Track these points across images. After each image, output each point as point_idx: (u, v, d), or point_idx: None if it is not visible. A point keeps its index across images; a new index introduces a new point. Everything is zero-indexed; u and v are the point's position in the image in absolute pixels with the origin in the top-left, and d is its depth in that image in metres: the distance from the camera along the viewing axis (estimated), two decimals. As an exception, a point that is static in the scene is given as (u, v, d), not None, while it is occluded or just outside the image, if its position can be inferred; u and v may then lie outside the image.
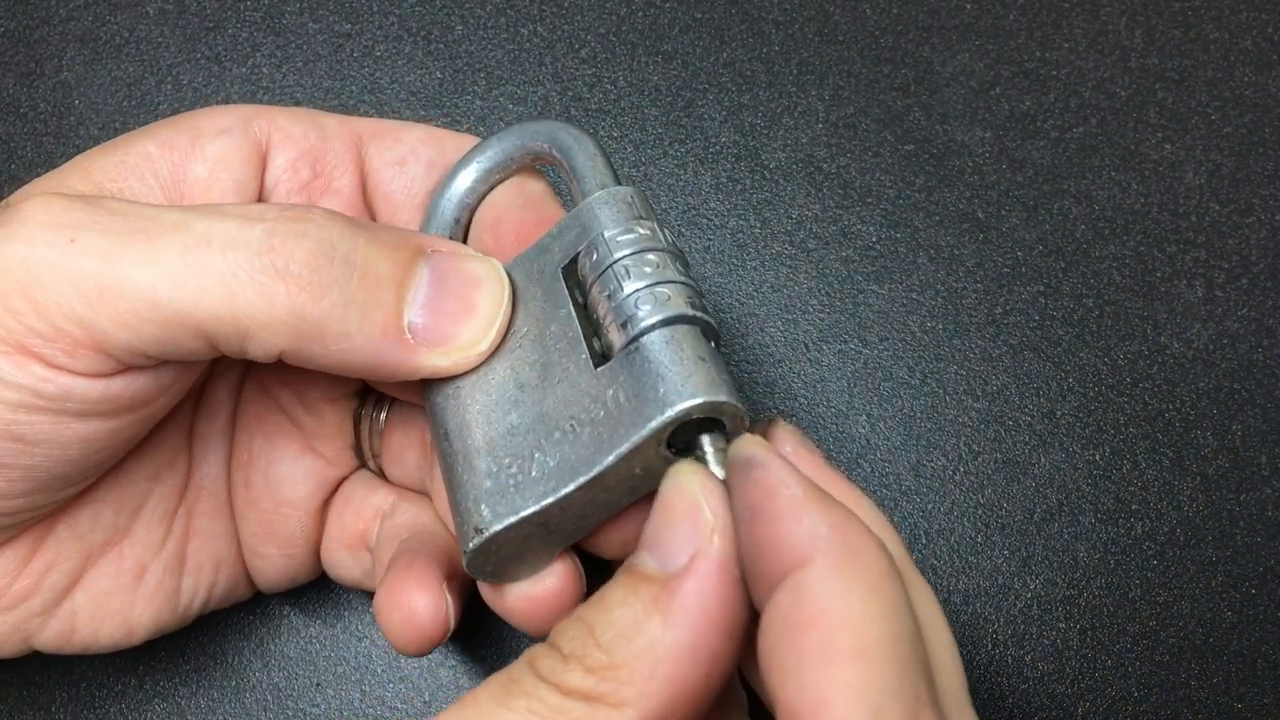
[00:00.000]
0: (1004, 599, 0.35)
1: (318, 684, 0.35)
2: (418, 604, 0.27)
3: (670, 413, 0.22)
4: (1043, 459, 0.36)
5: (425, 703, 0.35)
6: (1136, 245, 0.38)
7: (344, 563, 0.32)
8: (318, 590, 0.35)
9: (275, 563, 0.31)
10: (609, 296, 0.24)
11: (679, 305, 0.24)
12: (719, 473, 0.22)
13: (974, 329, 0.37)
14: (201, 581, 0.31)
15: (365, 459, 0.32)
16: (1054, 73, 0.39)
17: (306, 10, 0.40)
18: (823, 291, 0.38)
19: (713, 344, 0.24)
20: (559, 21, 0.40)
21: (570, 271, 0.26)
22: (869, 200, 0.38)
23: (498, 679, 0.22)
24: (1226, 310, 0.37)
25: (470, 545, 0.24)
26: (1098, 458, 0.36)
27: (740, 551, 0.21)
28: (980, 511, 0.36)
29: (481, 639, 0.35)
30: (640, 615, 0.21)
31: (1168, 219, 0.38)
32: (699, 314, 0.24)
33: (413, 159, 0.30)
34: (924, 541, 0.36)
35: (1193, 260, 0.38)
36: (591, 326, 0.25)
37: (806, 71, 0.39)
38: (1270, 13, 0.40)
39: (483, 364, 0.26)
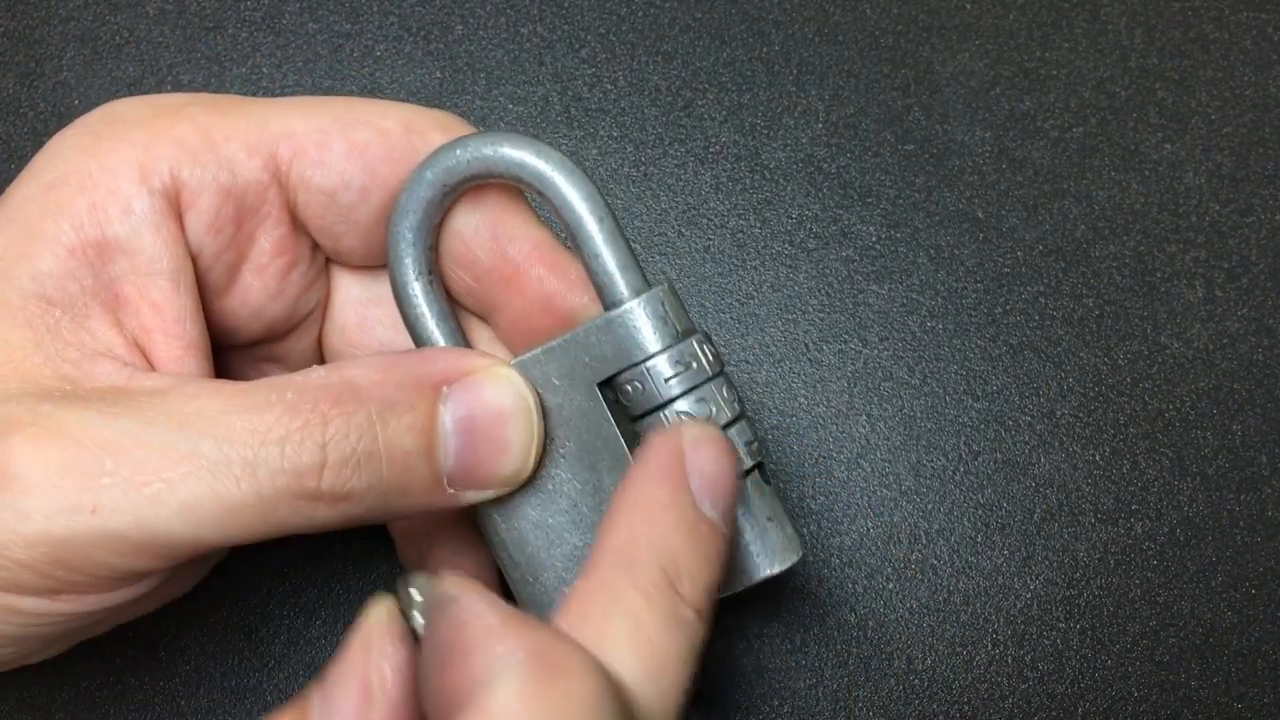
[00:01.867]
0: (1004, 599, 0.35)
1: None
2: None
3: (751, 582, 0.25)
4: (1043, 459, 0.36)
5: (425, 703, 0.35)
6: (1136, 245, 0.38)
7: None
8: (318, 590, 0.35)
9: None
10: None
11: (741, 459, 0.25)
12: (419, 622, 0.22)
13: (974, 329, 0.37)
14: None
15: None
16: (1054, 73, 0.40)
17: (306, 10, 0.40)
18: (823, 291, 0.38)
19: (766, 479, 0.26)
20: (559, 21, 0.40)
21: (607, 385, 0.26)
22: (869, 200, 0.38)
23: None
24: (1226, 310, 0.37)
25: None
26: (1098, 458, 0.36)
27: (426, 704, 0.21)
28: (980, 511, 0.36)
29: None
30: None
31: (1168, 219, 0.38)
32: (756, 459, 0.26)
33: (344, 189, 0.27)
34: (924, 541, 0.36)
35: (1193, 260, 0.38)
36: None
37: (806, 71, 0.39)
38: (1270, 13, 0.40)
39: None
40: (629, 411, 0.26)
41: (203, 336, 0.27)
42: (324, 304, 0.30)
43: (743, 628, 0.35)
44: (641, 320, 0.25)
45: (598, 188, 0.26)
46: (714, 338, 0.36)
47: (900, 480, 0.36)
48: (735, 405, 0.26)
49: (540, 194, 0.26)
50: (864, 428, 0.36)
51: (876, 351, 0.37)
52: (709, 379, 0.26)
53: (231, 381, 0.25)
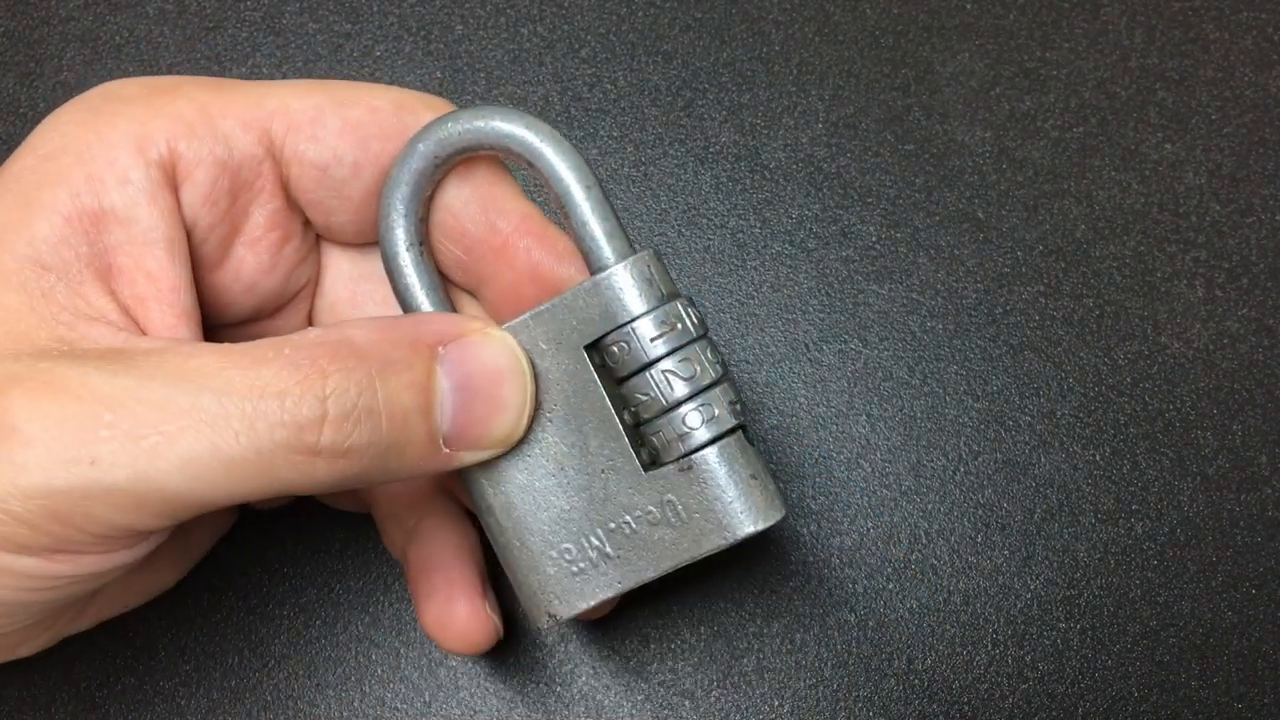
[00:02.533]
0: (1004, 599, 0.35)
1: (318, 684, 0.35)
2: (470, 627, 0.30)
3: (735, 538, 0.26)
4: (1043, 459, 0.36)
5: (425, 703, 0.35)
6: (1136, 245, 0.38)
7: (343, 501, 0.34)
8: (318, 590, 0.35)
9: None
10: (652, 404, 0.26)
11: (725, 419, 0.26)
12: None
13: (974, 329, 0.37)
14: (204, 530, 0.32)
15: None
16: (1054, 73, 0.39)
17: (306, 10, 0.40)
18: (823, 291, 0.38)
19: (750, 439, 0.27)
20: (559, 21, 0.40)
21: (593, 349, 0.26)
22: (869, 200, 0.38)
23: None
24: (1226, 310, 0.37)
25: (544, 625, 0.28)
26: (1098, 458, 0.36)
27: None
28: (980, 511, 0.36)
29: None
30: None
31: (1168, 219, 0.38)
32: (739, 420, 0.26)
33: (336, 164, 0.28)
34: (924, 541, 0.36)
35: (1193, 260, 0.38)
36: (628, 418, 0.27)
37: (806, 71, 0.39)
38: (1270, 13, 0.40)
39: None
40: (615, 373, 0.26)
41: (195, 306, 0.27)
42: (315, 281, 0.31)
43: (743, 627, 0.35)
44: (626, 283, 0.26)
45: (584, 158, 0.27)
46: (714, 339, 0.37)
47: (900, 480, 0.36)
48: (719, 367, 0.27)
49: (530, 165, 0.27)
50: (864, 428, 0.36)
51: (876, 351, 0.37)
52: (693, 340, 0.26)
53: (235, 344, 0.25)
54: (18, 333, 0.24)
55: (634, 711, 0.35)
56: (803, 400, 0.37)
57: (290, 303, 0.31)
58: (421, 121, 0.28)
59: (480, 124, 0.27)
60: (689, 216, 0.38)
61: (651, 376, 0.26)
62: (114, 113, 0.26)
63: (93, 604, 0.30)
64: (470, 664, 0.35)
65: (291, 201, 0.29)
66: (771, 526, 0.26)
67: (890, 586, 0.35)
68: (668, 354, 0.26)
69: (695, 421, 0.26)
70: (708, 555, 0.26)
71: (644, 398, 0.26)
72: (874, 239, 0.38)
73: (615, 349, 0.26)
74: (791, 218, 0.38)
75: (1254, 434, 0.36)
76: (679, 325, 0.26)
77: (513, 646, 0.35)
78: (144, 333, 0.26)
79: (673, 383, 0.26)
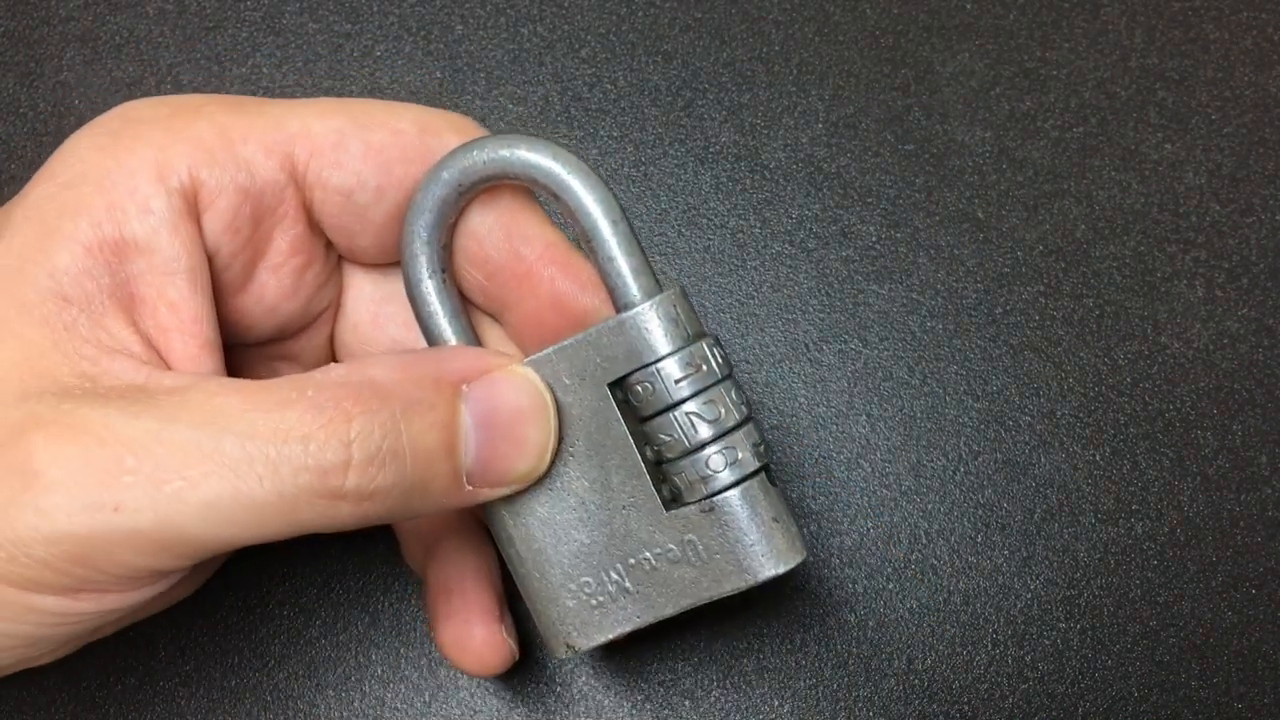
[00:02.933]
0: (1004, 599, 0.35)
1: (318, 684, 0.35)
2: (486, 650, 0.30)
3: (755, 581, 0.26)
4: (1043, 459, 0.36)
5: (425, 703, 0.35)
6: (1136, 245, 0.38)
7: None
8: (317, 590, 0.35)
9: None
10: (675, 444, 0.26)
11: (748, 461, 0.26)
12: None
13: (974, 329, 0.37)
14: None
15: None
16: (1054, 73, 0.39)
17: (306, 10, 0.40)
18: (823, 291, 0.38)
19: (773, 480, 0.27)
20: (559, 21, 0.40)
21: (617, 386, 0.26)
22: (869, 200, 0.38)
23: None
24: (1226, 310, 0.37)
25: (563, 655, 0.28)
26: (1098, 458, 0.36)
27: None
28: (980, 511, 0.36)
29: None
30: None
31: (1168, 219, 0.38)
32: (763, 461, 0.26)
33: (359, 189, 0.28)
34: (924, 541, 0.36)
35: (1193, 260, 0.38)
36: (650, 455, 0.27)
37: (806, 71, 0.39)
38: (1270, 13, 0.40)
39: None
40: (638, 412, 0.26)
41: (217, 337, 0.27)
42: (337, 302, 0.31)
43: (743, 628, 0.35)
44: (653, 322, 0.26)
45: (612, 191, 0.26)
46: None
47: (900, 480, 0.36)
48: (743, 408, 0.26)
49: (555, 196, 0.27)
50: (864, 428, 0.36)
51: (876, 351, 0.37)
52: (718, 381, 0.26)
53: (251, 380, 0.24)
54: (40, 369, 0.24)
55: (634, 711, 0.35)
56: (803, 400, 0.37)
57: (313, 324, 0.30)
58: (446, 145, 0.27)
59: (505, 153, 0.27)
60: (689, 216, 0.38)
61: (675, 418, 0.26)
62: (134, 137, 0.26)
63: (106, 623, 0.30)
64: (470, 664, 0.35)
65: (314, 225, 0.29)
66: (792, 570, 0.26)
67: (890, 586, 0.35)
68: (692, 396, 0.26)
69: (719, 464, 0.26)
70: (727, 596, 0.26)
71: (667, 438, 0.26)
72: (874, 239, 0.38)
73: (639, 388, 0.26)
74: (791, 218, 0.38)
75: (1254, 434, 0.36)
76: (704, 366, 0.26)
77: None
78: (167, 363, 0.26)
79: (697, 425, 0.26)
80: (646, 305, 0.26)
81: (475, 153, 0.27)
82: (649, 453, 0.27)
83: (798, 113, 0.39)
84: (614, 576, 0.27)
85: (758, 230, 0.38)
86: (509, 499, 0.27)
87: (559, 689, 0.35)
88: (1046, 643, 0.35)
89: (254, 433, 0.23)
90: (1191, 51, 0.40)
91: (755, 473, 0.26)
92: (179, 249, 0.26)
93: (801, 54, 0.40)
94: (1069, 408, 0.37)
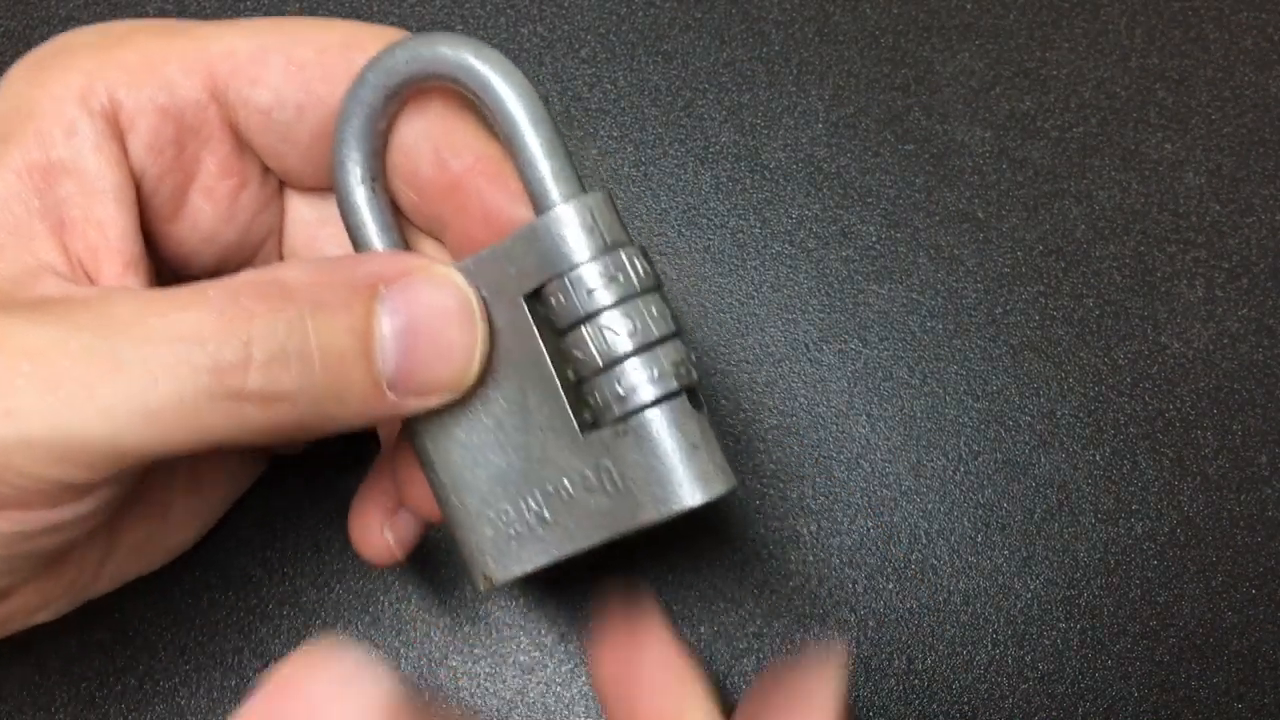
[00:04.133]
0: (1004, 599, 0.35)
1: (318, 684, 0.35)
2: (371, 533, 0.29)
3: (671, 511, 0.24)
4: (1043, 459, 0.36)
5: (425, 703, 0.35)
6: (1136, 245, 0.38)
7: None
8: (318, 590, 0.35)
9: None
10: (590, 360, 0.24)
11: (667, 379, 0.24)
12: None
13: (974, 329, 0.37)
14: (219, 485, 0.32)
15: None
16: (1054, 73, 0.40)
17: (306, 11, 0.40)
18: (823, 291, 0.38)
19: (698, 404, 0.25)
20: (559, 21, 0.40)
21: (533, 299, 0.25)
22: (869, 200, 0.38)
23: None
24: (1226, 310, 0.37)
25: (481, 588, 0.27)
26: (1098, 458, 0.36)
27: None
28: (980, 511, 0.36)
29: (478, 642, 0.35)
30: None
31: (1168, 219, 0.38)
32: (686, 382, 0.24)
33: (279, 107, 0.27)
34: (924, 541, 0.36)
35: (1193, 260, 0.38)
36: (570, 375, 0.25)
37: (806, 71, 0.39)
38: (1270, 13, 0.40)
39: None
40: (554, 324, 0.25)
41: (143, 255, 0.27)
42: (280, 230, 0.30)
43: (743, 627, 0.35)
44: (567, 227, 0.24)
45: (538, 91, 0.25)
46: (714, 338, 0.37)
47: (900, 480, 0.36)
48: (667, 322, 0.24)
49: (478, 96, 0.25)
50: (864, 428, 0.36)
51: (876, 351, 0.37)
52: (638, 294, 0.24)
53: (161, 289, 0.24)
54: None
55: (634, 711, 0.35)
56: (803, 400, 0.37)
57: (257, 254, 0.30)
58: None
59: (426, 51, 0.25)
60: (689, 216, 0.38)
61: (588, 330, 0.24)
62: (61, 66, 0.26)
63: (109, 564, 0.29)
64: (471, 664, 0.35)
65: (244, 146, 0.28)
66: (718, 500, 0.24)
67: (890, 586, 0.35)
68: (609, 306, 0.24)
69: (636, 380, 0.24)
70: (647, 527, 0.24)
71: (581, 353, 0.24)
72: (874, 239, 0.38)
73: (553, 300, 0.24)
74: (791, 218, 0.38)
75: (1254, 434, 0.36)
76: (621, 276, 0.24)
77: (513, 646, 0.35)
78: (94, 283, 0.26)
79: (610, 338, 0.24)
80: (562, 208, 0.24)
81: (398, 51, 0.25)
82: (570, 373, 0.25)
83: (798, 113, 0.39)
84: (532, 505, 0.25)
85: (758, 230, 0.38)
86: (426, 421, 0.26)
87: (559, 689, 0.35)
88: (1046, 643, 0.35)
89: (150, 336, 0.22)
90: (1191, 51, 0.40)
91: (676, 393, 0.24)
92: (103, 167, 0.26)
93: (801, 54, 0.40)
94: (1069, 408, 0.37)
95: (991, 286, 0.38)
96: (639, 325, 0.24)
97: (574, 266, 0.24)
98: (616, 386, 0.24)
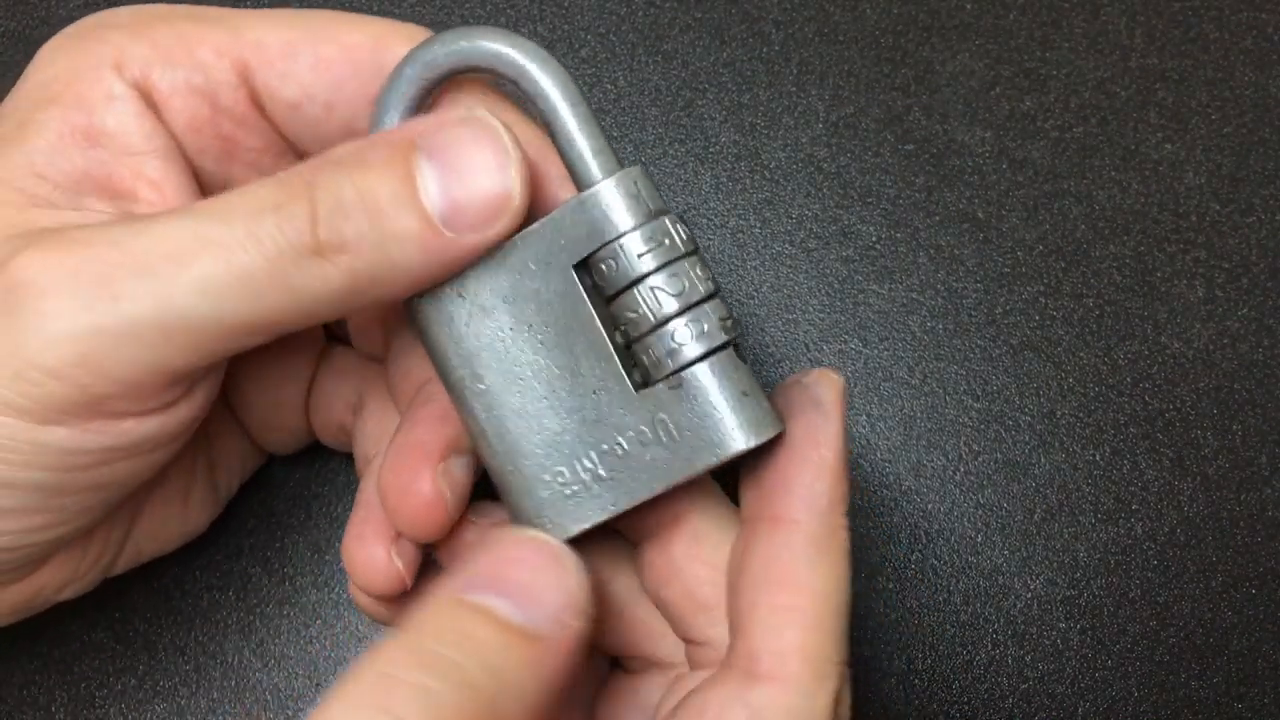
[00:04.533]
0: (1004, 599, 0.35)
1: (317, 684, 0.35)
2: (376, 560, 0.29)
3: (727, 455, 0.25)
4: (1043, 459, 0.36)
5: (425, 703, 0.35)
6: (1136, 245, 0.38)
7: (341, 441, 0.34)
8: (318, 590, 0.35)
9: (286, 439, 0.34)
10: (641, 321, 0.26)
11: (715, 334, 0.26)
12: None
13: (974, 329, 0.37)
14: (233, 473, 0.33)
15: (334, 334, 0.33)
16: (1054, 73, 0.40)
17: (312, 4, 0.40)
18: (823, 291, 0.38)
19: (742, 356, 0.26)
20: (559, 21, 0.40)
21: (582, 268, 0.26)
22: (869, 200, 0.38)
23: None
24: (1226, 310, 0.37)
25: None
26: (1098, 458, 0.36)
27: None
28: (980, 511, 0.36)
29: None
30: (513, 665, 0.23)
31: (1168, 219, 0.38)
32: (731, 335, 0.26)
33: (308, 103, 0.28)
34: (924, 541, 0.36)
35: (1193, 260, 0.38)
36: (619, 338, 0.26)
37: (806, 71, 0.39)
38: (1270, 13, 0.40)
39: (507, 358, 0.27)
40: (604, 292, 0.26)
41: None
42: None
43: (743, 628, 0.35)
44: (614, 198, 0.26)
45: (571, 76, 0.26)
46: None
47: (900, 480, 0.36)
48: (709, 283, 0.26)
49: (516, 84, 0.27)
50: (864, 428, 0.36)
51: (876, 351, 0.37)
52: (682, 256, 0.26)
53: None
54: (18, 221, 0.25)
55: (634, 711, 0.35)
56: (803, 400, 0.37)
57: None
58: (400, 57, 0.27)
59: (465, 45, 0.27)
60: (689, 216, 0.38)
61: (639, 293, 0.26)
62: (97, 40, 0.27)
63: (129, 543, 0.30)
64: (470, 664, 0.35)
65: (277, 129, 0.29)
66: (767, 443, 0.26)
67: (890, 586, 0.35)
68: (656, 270, 0.26)
69: (685, 337, 0.25)
70: (701, 474, 0.26)
71: (633, 315, 0.26)
72: (874, 239, 0.38)
73: (603, 266, 0.26)
74: (791, 218, 0.38)
75: (1254, 434, 0.36)
76: (667, 241, 0.26)
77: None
78: None
79: (660, 299, 0.26)
80: (606, 182, 0.26)
81: (436, 46, 0.27)
82: (618, 337, 0.26)
83: (798, 113, 0.39)
84: (587, 464, 0.27)
85: (758, 230, 0.38)
86: (478, 390, 0.27)
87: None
88: (1046, 643, 0.35)
89: (230, 212, 0.24)
90: (1191, 51, 0.40)
91: (724, 345, 0.26)
92: (150, 129, 0.27)
93: (801, 54, 0.40)
94: (1069, 408, 0.37)
95: (991, 286, 0.38)
96: (686, 285, 0.26)
97: (623, 234, 0.26)
98: (670, 342, 0.26)
